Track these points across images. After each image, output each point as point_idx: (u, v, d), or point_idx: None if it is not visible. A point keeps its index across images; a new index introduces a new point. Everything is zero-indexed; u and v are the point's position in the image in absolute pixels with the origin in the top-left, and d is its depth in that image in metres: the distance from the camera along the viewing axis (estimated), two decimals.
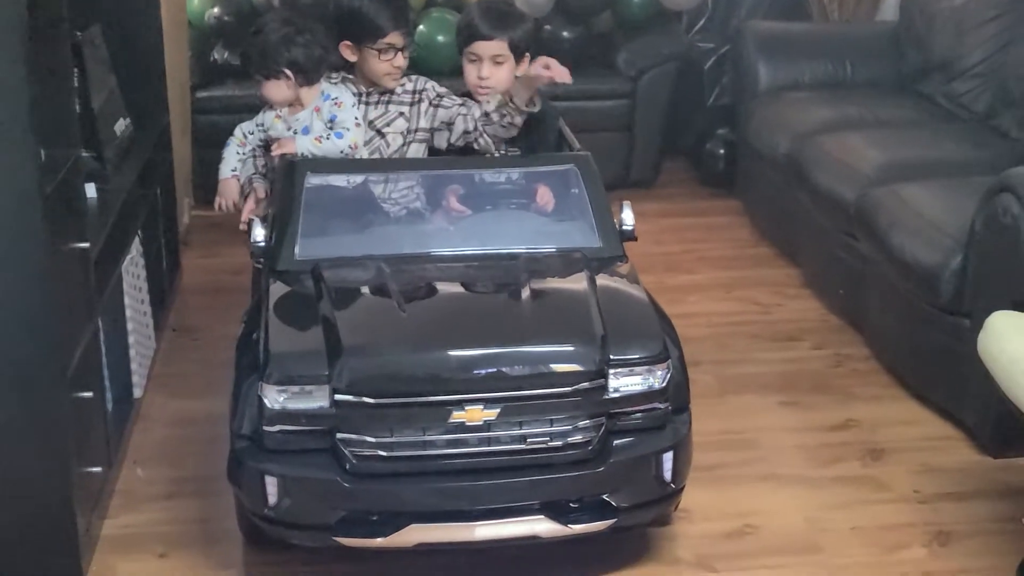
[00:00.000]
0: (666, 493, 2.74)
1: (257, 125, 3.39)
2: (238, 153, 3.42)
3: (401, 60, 3.36)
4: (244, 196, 3.43)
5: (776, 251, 4.79)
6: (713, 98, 5.72)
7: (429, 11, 5.44)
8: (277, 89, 3.27)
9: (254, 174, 3.43)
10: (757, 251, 4.86)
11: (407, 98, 3.41)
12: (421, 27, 5.31)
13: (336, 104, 3.28)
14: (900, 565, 2.87)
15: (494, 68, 3.35)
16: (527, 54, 3.41)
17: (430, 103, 3.39)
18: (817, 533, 2.98)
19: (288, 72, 3.25)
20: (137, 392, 3.55)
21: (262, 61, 3.26)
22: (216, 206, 3.46)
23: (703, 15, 5.96)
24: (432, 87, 3.42)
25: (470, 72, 3.39)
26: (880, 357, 3.84)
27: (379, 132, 3.39)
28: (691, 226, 5.15)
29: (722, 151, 5.54)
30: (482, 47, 3.35)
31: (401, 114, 3.39)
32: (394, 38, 3.32)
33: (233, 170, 3.41)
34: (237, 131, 3.44)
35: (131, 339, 3.48)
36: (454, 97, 3.40)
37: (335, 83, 3.37)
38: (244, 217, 3.36)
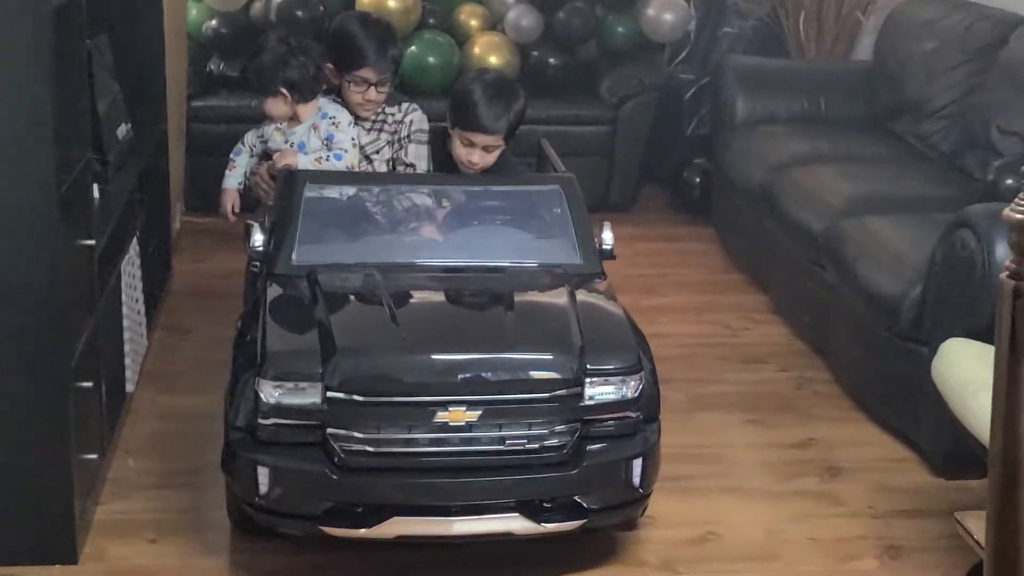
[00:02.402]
0: (634, 497, 2.89)
1: (258, 137, 3.57)
2: (247, 164, 3.60)
3: (374, 95, 3.50)
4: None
5: (747, 278, 4.96)
6: (691, 128, 5.88)
7: (421, 33, 5.60)
8: (276, 105, 3.47)
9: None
10: (729, 277, 5.03)
11: (393, 127, 3.58)
12: (412, 48, 5.48)
13: (333, 124, 3.46)
14: (853, 575, 3.04)
15: (485, 154, 3.39)
16: (516, 132, 3.48)
17: (407, 136, 3.55)
18: (776, 543, 3.14)
19: (284, 90, 3.44)
20: (129, 387, 3.68)
21: (260, 79, 3.46)
22: (220, 215, 3.62)
23: (685, 47, 6.14)
24: (411, 121, 3.56)
25: (461, 152, 3.39)
26: (841, 381, 4.02)
27: (367, 158, 3.56)
28: (666, 251, 5.32)
29: (698, 180, 5.70)
30: (480, 138, 3.37)
31: (388, 143, 3.57)
32: (367, 73, 3.48)
33: (239, 183, 3.59)
34: (245, 140, 3.62)
35: (126, 335, 3.61)
36: (424, 137, 3.54)
37: (336, 102, 3.55)
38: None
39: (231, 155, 3.63)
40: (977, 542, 2.37)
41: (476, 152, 3.39)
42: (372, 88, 3.50)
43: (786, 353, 4.30)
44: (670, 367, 3.93)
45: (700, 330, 4.50)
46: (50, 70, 2.61)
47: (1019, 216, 1.28)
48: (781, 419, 3.80)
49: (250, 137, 3.62)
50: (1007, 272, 1.31)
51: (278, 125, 3.52)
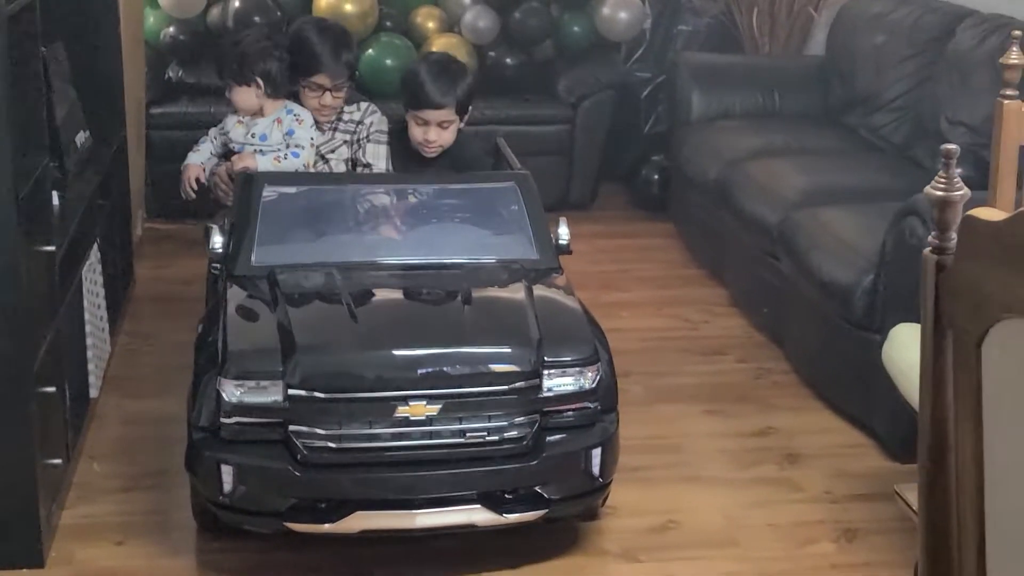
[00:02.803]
0: (594, 487, 2.94)
1: (219, 130, 3.62)
2: (211, 152, 3.65)
3: (329, 100, 3.55)
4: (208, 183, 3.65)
5: (705, 272, 5.02)
6: (649, 125, 5.95)
7: (378, 35, 5.63)
8: (246, 96, 3.51)
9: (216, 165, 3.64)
10: (688, 272, 5.08)
11: (351, 127, 3.62)
12: (370, 51, 5.51)
13: (297, 120, 3.51)
14: (810, 558, 3.09)
15: (441, 131, 3.48)
16: (469, 107, 3.56)
17: (367, 136, 3.59)
18: (735, 529, 3.20)
19: (259, 81, 3.48)
20: (93, 392, 3.70)
21: (238, 67, 3.50)
22: (181, 192, 3.65)
23: (641, 45, 6.20)
24: (371, 123, 3.60)
25: (417, 132, 3.49)
26: (799, 371, 4.08)
27: (323, 157, 3.60)
28: (626, 247, 5.37)
29: (656, 176, 5.76)
30: (431, 115, 3.46)
31: (345, 142, 3.61)
32: (322, 79, 3.53)
33: (201, 163, 3.63)
34: (209, 133, 3.68)
35: (88, 341, 3.63)
36: (383, 138, 3.58)
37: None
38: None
39: (198, 145, 3.69)
40: (915, 512, 2.42)
41: (432, 130, 3.46)
42: (327, 93, 3.54)
43: (745, 344, 4.36)
44: (631, 361, 3.99)
45: (660, 324, 4.55)
46: (5, 77, 2.63)
47: (939, 193, 1.34)
48: (740, 409, 3.86)
49: (213, 131, 3.69)
50: (930, 248, 1.37)
51: (240, 118, 3.56)
